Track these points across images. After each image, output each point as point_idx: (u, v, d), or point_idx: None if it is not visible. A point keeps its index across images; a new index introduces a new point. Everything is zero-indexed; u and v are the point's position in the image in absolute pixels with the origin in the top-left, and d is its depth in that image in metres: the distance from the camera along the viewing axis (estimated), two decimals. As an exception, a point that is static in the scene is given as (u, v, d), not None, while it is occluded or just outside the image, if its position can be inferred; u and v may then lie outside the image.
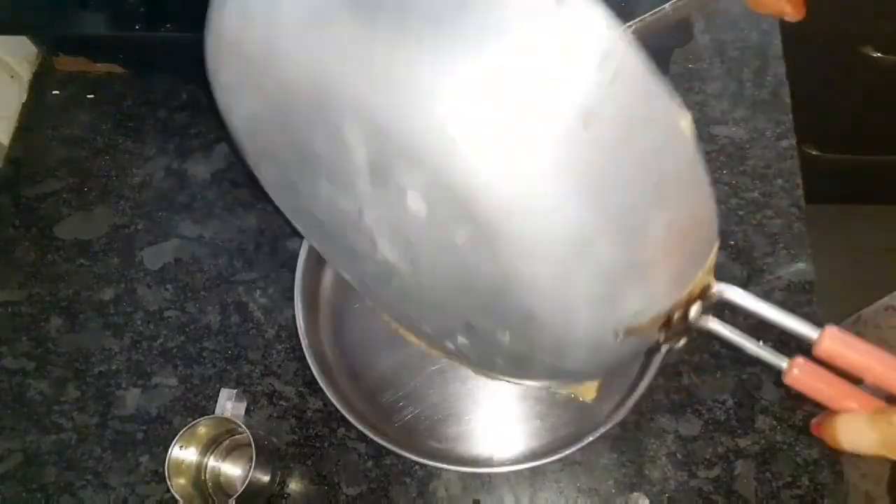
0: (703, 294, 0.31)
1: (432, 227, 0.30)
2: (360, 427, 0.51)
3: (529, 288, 0.29)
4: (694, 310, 0.31)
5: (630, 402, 0.50)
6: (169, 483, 0.48)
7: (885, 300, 0.75)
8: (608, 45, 0.23)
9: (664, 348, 0.34)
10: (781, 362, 0.31)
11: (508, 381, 0.53)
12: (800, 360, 0.30)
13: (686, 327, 0.32)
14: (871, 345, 0.29)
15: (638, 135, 0.25)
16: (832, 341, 0.29)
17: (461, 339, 0.43)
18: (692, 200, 0.28)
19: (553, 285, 0.29)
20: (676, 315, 0.31)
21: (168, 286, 0.64)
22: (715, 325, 0.32)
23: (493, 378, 0.54)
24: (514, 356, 0.40)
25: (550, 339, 0.33)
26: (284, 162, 0.36)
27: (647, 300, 0.30)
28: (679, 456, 0.55)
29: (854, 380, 0.30)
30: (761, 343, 0.32)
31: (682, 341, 0.34)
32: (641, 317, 0.30)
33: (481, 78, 0.23)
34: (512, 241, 0.27)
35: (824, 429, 0.30)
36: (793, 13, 0.37)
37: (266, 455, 0.52)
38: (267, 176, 0.41)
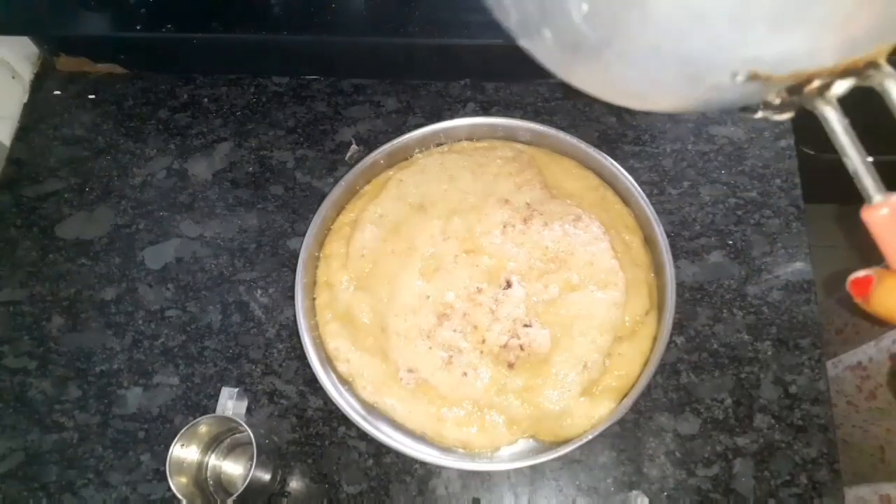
0: (864, 70, 0.25)
1: None
2: (360, 425, 0.51)
3: None
4: (839, 85, 0.25)
5: (629, 401, 0.50)
6: (170, 481, 0.48)
7: None
8: None
9: (760, 113, 0.27)
10: (877, 193, 0.25)
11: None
12: None
13: (800, 100, 0.26)
14: None
15: None
16: None
17: None
18: None
19: None
20: (816, 83, 0.25)
21: (169, 285, 0.64)
22: (831, 113, 0.26)
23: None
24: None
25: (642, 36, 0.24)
26: None
27: (803, 49, 0.23)
28: (678, 454, 0.55)
29: None
30: (868, 159, 0.26)
31: (786, 116, 0.27)
32: (782, 67, 0.23)
33: None
34: None
35: (865, 285, 0.27)
36: None
37: (267, 453, 0.52)
38: None
